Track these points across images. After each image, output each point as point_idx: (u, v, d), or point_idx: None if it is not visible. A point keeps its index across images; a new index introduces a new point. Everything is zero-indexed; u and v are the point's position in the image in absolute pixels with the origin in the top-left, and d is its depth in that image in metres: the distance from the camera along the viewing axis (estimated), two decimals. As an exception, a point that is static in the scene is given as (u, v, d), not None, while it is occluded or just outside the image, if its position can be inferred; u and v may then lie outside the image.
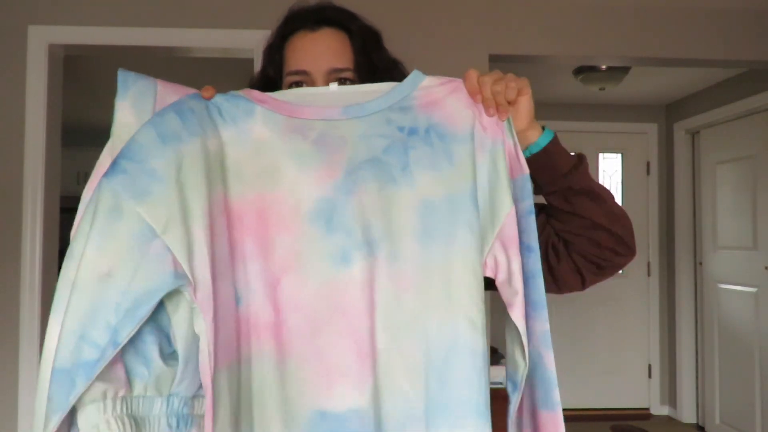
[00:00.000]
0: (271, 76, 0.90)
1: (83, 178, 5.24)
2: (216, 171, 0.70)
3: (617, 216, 0.83)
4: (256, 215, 0.72)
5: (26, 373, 2.24)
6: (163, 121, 0.69)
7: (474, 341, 0.70)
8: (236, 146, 0.73)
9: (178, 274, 0.64)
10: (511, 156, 0.76)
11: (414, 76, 0.78)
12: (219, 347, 0.66)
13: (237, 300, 0.70)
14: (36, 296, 2.25)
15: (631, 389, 4.28)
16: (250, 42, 2.34)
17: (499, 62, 2.51)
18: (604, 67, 3.23)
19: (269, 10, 2.42)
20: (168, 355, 0.69)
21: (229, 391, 0.67)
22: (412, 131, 0.75)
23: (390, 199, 0.72)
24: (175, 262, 0.64)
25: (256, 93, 0.76)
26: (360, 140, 0.74)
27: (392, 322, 0.70)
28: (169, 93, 0.73)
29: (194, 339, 0.66)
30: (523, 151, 0.78)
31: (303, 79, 0.86)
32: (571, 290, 0.87)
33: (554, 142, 0.81)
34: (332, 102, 0.76)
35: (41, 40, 2.28)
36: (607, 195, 0.84)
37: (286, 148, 0.73)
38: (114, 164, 0.66)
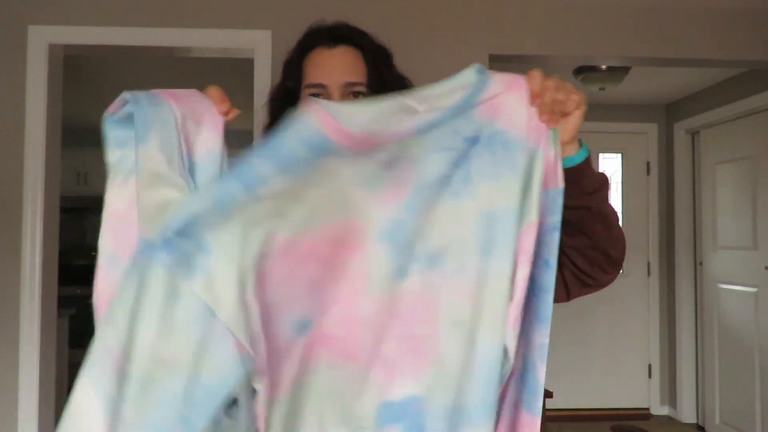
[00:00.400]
0: (291, 88, 0.96)
1: (83, 178, 5.24)
2: (277, 212, 0.68)
3: (618, 241, 0.87)
4: (326, 244, 0.72)
5: (26, 373, 2.24)
6: (221, 192, 0.65)
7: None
8: (301, 179, 0.69)
9: (244, 357, 0.64)
10: (549, 167, 0.74)
11: (481, 76, 0.73)
12: (273, 386, 0.68)
13: (303, 326, 0.72)
14: (36, 296, 2.25)
15: (631, 389, 4.28)
16: (250, 42, 2.34)
17: (499, 62, 2.51)
18: (604, 67, 3.23)
19: (269, 10, 2.43)
20: (230, 405, 0.70)
21: (281, 418, 0.70)
22: (475, 140, 0.74)
23: (453, 213, 0.73)
24: (239, 345, 0.64)
25: (326, 122, 0.67)
26: (427, 156, 0.74)
27: (449, 330, 0.73)
28: (186, 113, 0.70)
29: (252, 388, 0.68)
30: None
31: (320, 92, 0.92)
32: (557, 302, 0.91)
33: (587, 161, 0.82)
34: (406, 122, 0.73)
35: (41, 40, 2.28)
36: (615, 220, 0.87)
37: (354, 175, 0.72)
38: (167, 240, 0.63)
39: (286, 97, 0.95)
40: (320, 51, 0.95)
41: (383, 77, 0.95)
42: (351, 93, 0.92)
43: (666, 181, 4.31)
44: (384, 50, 1.00)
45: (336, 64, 0.93)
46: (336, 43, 0.95)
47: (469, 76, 0.73)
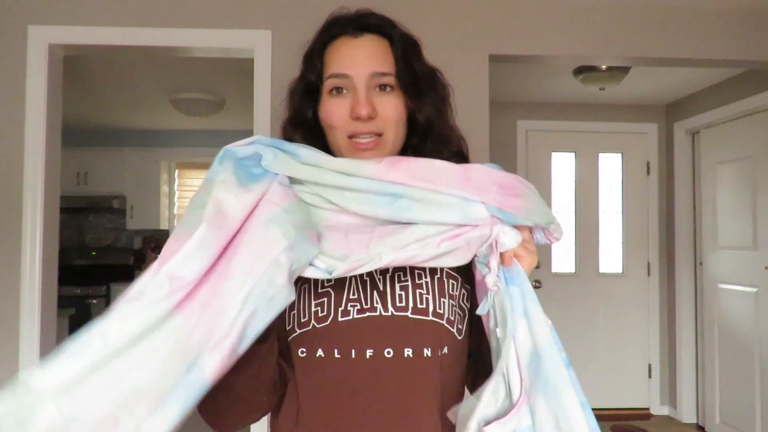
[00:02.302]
0: (313, 81, 0.89)
1: (83, 178, 5.24)
2: None
3: None
4: None
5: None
6: None
7: None
8: None
9: None
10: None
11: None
12: None
13: None
14: (36, 296, 2.25)
15: (631, 389, 4.28)
16: (250, 42, 2.34)
17: (499, 62, 2.52)
18: (604, 67, 3.23)
19: (269, 10, 2.43)
20: None
21: None
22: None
23: None
24: None
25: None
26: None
27: None
28: None
29: None
30: None
31: (344, 84, 0.85)
32: None
33: None
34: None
35: (41, 40, 2.28)
36: None
37: None
38: None
39: (307, 91, 0.89)
40: (344, 40, 0.88)
41: (413, 68, 0.89)
42: (377, 85, 0.85)
43: (666, 181, 4.31)
44: (412, 39, 0.94)
45: (362, 54, 0.86)
46: (361, 32, 0.88)
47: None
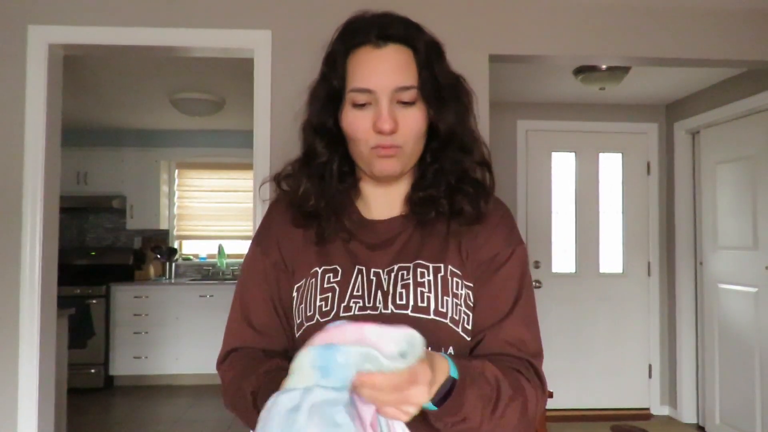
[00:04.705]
0: (336, 87, 0.88)
1: (83, 178, 5.24)
2: None
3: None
4: None
5: (26, 373, 2.24)
6: None
7: None
8: None
9: None
10: None
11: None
12: None
13: None
14: (36, 296, 2.25)
15: (631, 389, 4.28)
16: (250, 42, 2.34)
17: (499, 62, 2.52)
18: (604, 67, 3.23)
19: (269, 10, 2.43)
20: None
21: None
22: None
23: None
24: None
25: None
26: None
27: None
28: None
29: None
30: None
31: (367, 99, 0.85)
32: None
33: (447, 403, 0.72)
34: None
35: (41, 40, 2.28)
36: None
37: None
38: None
39: (329, 97, 0.89)
40: (367, 50, 0.86)
41: (436, 78, 0.88)
42: (400, 100, 0.85)
43: (666, 181, 4.31)
44: (437, 47, 0.91)
45: (385, 68, 0.84)
46: (385, 42, 0.86)
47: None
